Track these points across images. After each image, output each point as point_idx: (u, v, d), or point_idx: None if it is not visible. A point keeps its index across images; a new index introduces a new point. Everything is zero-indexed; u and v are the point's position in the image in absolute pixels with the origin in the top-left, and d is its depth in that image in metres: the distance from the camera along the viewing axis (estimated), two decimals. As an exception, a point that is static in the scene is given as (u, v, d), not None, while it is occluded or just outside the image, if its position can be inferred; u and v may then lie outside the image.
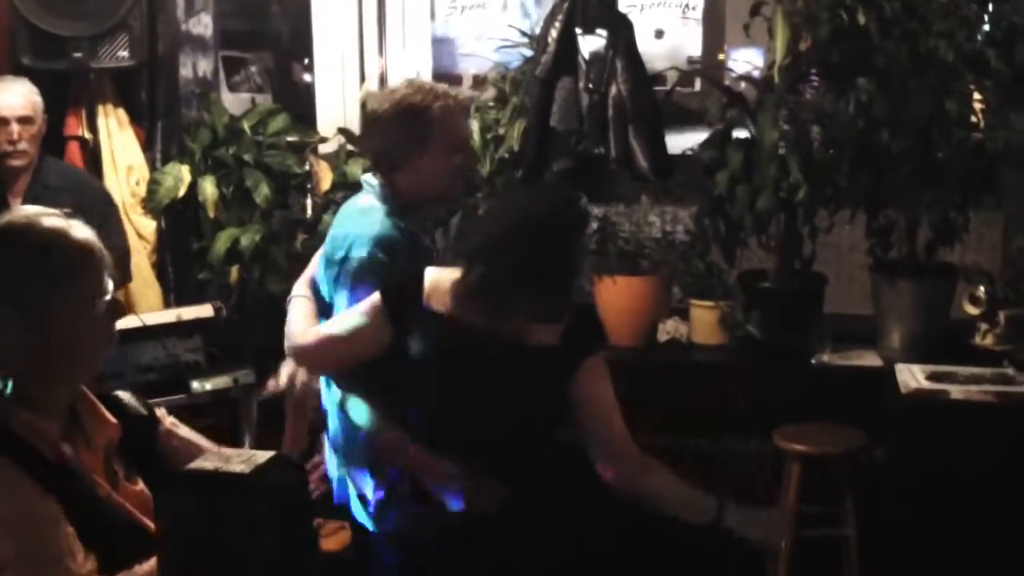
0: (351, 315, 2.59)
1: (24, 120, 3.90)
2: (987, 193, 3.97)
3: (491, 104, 4.64)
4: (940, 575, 3.49)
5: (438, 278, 2.50)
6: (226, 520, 1.73)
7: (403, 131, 2.72)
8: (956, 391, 3.59)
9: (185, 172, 4.43)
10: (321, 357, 2.67)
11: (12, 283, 1.80)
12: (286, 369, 2.92)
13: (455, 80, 7.66)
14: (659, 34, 7.90)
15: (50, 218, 1.88)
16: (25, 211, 1.92)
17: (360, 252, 2.69)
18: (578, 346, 2.46)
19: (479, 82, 4.89)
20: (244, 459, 1.66)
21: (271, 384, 2.98)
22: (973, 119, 3.92)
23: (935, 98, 3.82)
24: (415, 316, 2.47)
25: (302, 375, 2.87)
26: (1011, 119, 3.85)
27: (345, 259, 2.70)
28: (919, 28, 3.80)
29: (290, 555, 1.82)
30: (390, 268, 2.63)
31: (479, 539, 2.42)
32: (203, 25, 4.94)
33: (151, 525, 1.84)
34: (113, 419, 1.94)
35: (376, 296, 2.54)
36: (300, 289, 2.90)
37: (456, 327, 2.45)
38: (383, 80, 7.06)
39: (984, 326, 3.86)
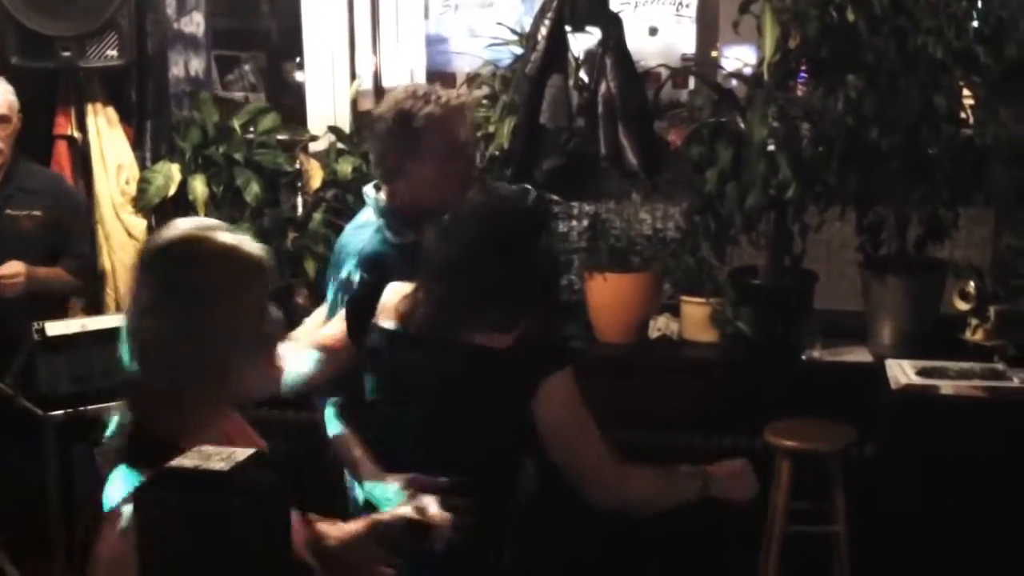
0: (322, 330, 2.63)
1: (0, 119, 3.89)
2: (976, 189, 3.97)
3: (482, 102, 4.64)
4: (931, 571, 3.49)
5: (392, 294, 2.46)
6: (205, 518, 1.73)
7: (395, 138, 2.70)
8: (946, 386, 3.59)
9: (175, 171, 4.43)
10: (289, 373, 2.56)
11: (189, 295, 1.80)
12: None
13: (448, 78, 7.68)
14: (653, 31, 7.90)
15: (224, 232, 1.88)
16: (201, 223, 1.92)
17: (347, 270, 2.71)
18: (537, 364, 2.34)
19: (471, 80, 4.88)
20: (224, 457, 1.66)
21: None
22: (962, 115, 3.92)
23: (924, 94, 3.82)
24: (370, 332, 2.46)
25: None
26: (1000, 115, 3.85)
27: (338, 276, 2.74)
28: (908, 25, 3.80)
29: (271, 553, 1.82)
30: (375, 286, 2.59)
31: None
32: (195, 24, 4.94)
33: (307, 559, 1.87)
34: (263, 443, 1.90)
35: (340, 314, 2.56)
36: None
37: (403, 340, 2.41)
38: (377, 78, 7.07)
39: (974, 321, 3.86)
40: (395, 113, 2.70)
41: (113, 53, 4.24)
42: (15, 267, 3.81)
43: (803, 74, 4.17)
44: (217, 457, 1.81)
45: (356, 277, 2.68)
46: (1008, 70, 3.82)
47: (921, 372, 3.64)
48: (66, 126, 4.35)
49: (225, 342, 1.81)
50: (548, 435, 2.35)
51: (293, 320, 4.40)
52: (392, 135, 2.70)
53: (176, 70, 4.83)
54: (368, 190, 2.84)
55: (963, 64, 3.81)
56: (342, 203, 4.49)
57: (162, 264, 1.84)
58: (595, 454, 2.39)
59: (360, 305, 2.52)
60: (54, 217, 4.02)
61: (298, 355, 2.56)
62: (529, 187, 2.77)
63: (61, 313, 4.08)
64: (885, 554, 3.53)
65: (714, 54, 6.29)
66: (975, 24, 3.84)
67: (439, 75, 7.80)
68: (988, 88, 3.85)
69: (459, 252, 2.37)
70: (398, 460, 2.42)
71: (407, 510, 2.25)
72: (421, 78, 7.73)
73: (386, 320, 2.44)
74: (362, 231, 2.77)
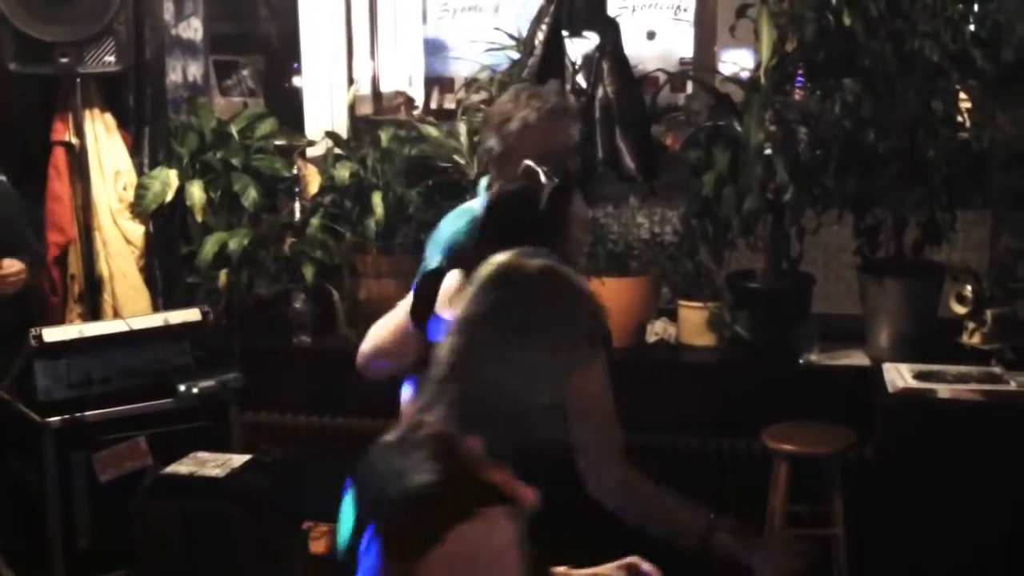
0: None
1: None
2: (974, 192, 3.97)
3: (479, 107, 4.64)
4: (928, 573, 3.48)
5: (451, 283, 2.42)
6: (200, 523, 1.73)
7: (493, 136, 2.75)
8: (944, 390, 3.58)
9: (173, 177, 4.42)
10: (367, 342, 2.61)
11: (554, 330, 1.74)
12: None
13: (447, 83, 7.68)
14: (651, 35, 7.90)
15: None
16: (528, 255, 1.82)
17: (433, 256, 2.72)
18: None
19: (469, 85, 4.88)
20: (219, 463, 1.67)
21: None
22: (959, 118, 3.93)
23: (921, 98, 3.82)
24: (431, 320, 2.43)
25: None
26: (997, 118, 3.85)
27: (426, 260, 2.77)
28: (904, 28, 3.80)
29: (265, 557, 1.82)
30: (441, 273, 2.56)
31: None
32: (193, 29, 4.94)
33: None
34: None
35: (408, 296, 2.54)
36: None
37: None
38: (375, 83, 7.07)
39: (971, 325, 3.85)
40: (495, 112, 2.78)
41: (111, 59, 4.24)
42: (17, 264, 3.80)
43: (800, 78, 4.17)
44: (213, 463, 1.82)
45: (442, 261, 2.64)
46: (1004, 73, 3.82)
47: (918, 376, 3.64)
48: (64, 132, 4.34)
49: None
50: (573, 405, 2.18)
51: (292, 327, 4.43)
52: (491, 133, 2.76)
53: (174, 75, 4.83)
54: (484, 181, 2.86)
55: (960, 67, 3.82)
56: (340, 208, 4.50)
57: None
58: (610, 440, 2.35)
59: (423, 292, 2.49)
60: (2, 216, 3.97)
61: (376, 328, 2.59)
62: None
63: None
64: (883, 557, 3.52)
65: (712, 58, 6.29)
66: (971, 27, 3.85)
67: (437, 80, 7.81)
68: (985, 91, 3.85)
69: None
70: None
71: None
72: (419, 83, 7.74)
73: (446, 309, 2.38)
74: (459, 219, 2.76)
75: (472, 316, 1.74)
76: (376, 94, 7.04)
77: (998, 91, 3.85)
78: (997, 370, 3.69)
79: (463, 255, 2.53)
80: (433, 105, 7.52)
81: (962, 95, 3.97)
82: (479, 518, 1.58)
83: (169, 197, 4.41)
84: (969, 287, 3.87)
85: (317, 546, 3.88)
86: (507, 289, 1.76)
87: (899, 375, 3.64)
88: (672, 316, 4.22)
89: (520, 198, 2.54)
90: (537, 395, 1.73)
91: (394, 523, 1.63)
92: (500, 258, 1.80)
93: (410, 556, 1.58)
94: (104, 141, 4.41)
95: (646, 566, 2.16)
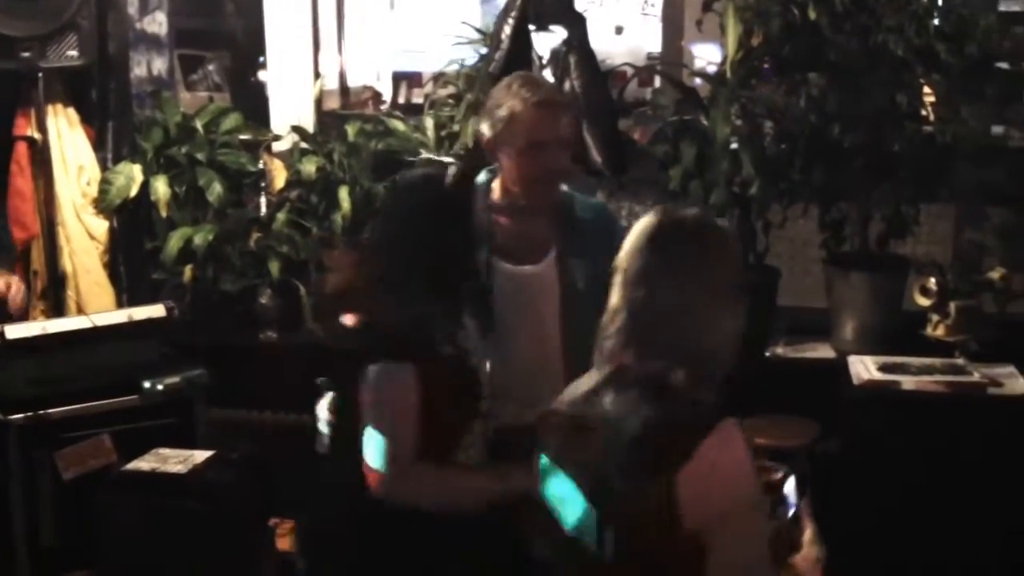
0: None
1: None
2: (938, 185, 3.99)
3: (447, 101, 4.63)
4: (894, 565, 3.50)
5: None
6: (163, 519, 1.72)
7: (485, 122, 2.78)
8: (908, 382, 3.61)
9: (137, 171, 4.39)
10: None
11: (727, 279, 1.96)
12: None
13: (415, 78, 7.66)
14: (619, 30, 7.92)
15: None
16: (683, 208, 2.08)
17: None
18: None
19: (436, 79, 4.87)
20: (182, 459, 1.65)
21: None
22: (924, 112, 3.95)
23: (886, 92, 3.84)
24: None
25: None
26: (961, 112, 3.88)
27: None
28: (870, 22, 3.82)
29: (231, 554, 1.81)
30: None
31: None
32: (157, 23, 4.90)
33: None
34: None
35: None
36: None
37: None
38: (342, 78, 7.05)
39: (935, 317, 3.88)
40: (490, 101, 2.79)
41: (73, 53, 4.20)
42: (15, 282, 3.84)
43: (767, 72, 4.18)
44: (175, 460, 1.81)
45: None
46: (969, 67, 3.85)
47: (883, 368, 3.66)
48: (26, 127, 4.29)
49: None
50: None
51: (258, 322, 4.40)
52: (486, 122, 2.77)
53: (139, 70, 4.79)
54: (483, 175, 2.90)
55: (924, 62, 3.84)
56: (306, 203, 4.47)
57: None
58: (389, 439, 2.38)
59: None
60: None
61: None
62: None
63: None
64: (849, 549, 3.54)
65: (679, 53, 6.31)
66: (936, 22, 3.87)
67: (405, 75, 7.79)
68: (949, 85, 3.87)
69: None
70: None
71: None
72: (387, 78, 7.71)
73: None
74: None
75: (647, 267, 1.92)
76: (343, 89, 7.02)
77: (962, 85, 3.88)
78: (961, 362, 3.72)
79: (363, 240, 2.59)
80: (401, 100, 7.51)
81: (927, 89, 3.99)
82: (715, 432, 1.81)
83: (133, 192, 4.37)
84: (933, 280, 3.89)
85: (284, 543, 3.86)
86: (677, 239, 1.95)
87: (864, 368, 3.66)
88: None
89: (424, 183, 2.60)
90: (718, 330, 1.94)
91: (643, 454, 1.82)
92: (656, 214, 1.99)
93: (666, 476, 1.78)
94: (67, 136, 4.37)
95: None
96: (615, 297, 1.96)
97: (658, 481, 1.81)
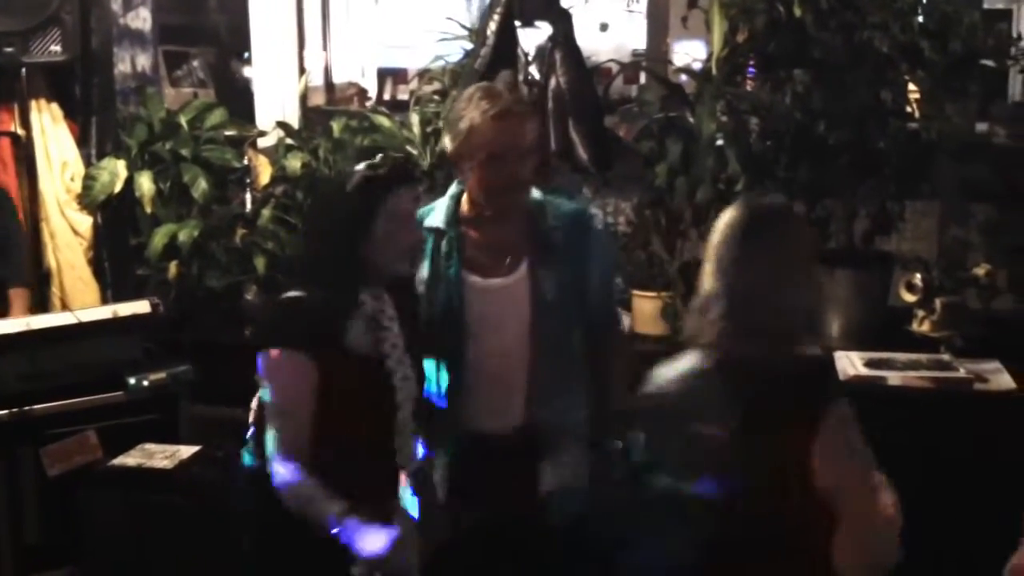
0: None
1: None
2: (923, 182, 4.01)
3: (432, 98, 4.62)
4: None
5: None
6: (148, 515, 1.71)
7: (447, 136, 2.76)
8: (894, 377, 3.62)
9: (121, 167, 4.37)
10: None
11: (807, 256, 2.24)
12: None
13: (400, 74, 7.65)
14: (604, 27, 7.92)
15: None
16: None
17: None
18: None
19: (421, 76, 4.86)
20: (168, 455, 1.64)
21: None
22: (908, 109, 3.96)
23: (871, 89, 3.86)
24: None
25: None
26: (945, 109, 3.89)
27: None
28: (854, 19, 3.83)
29: (218, 550, 1.80)
30: None
31: None
32: (141, 19, 4.88)
33: None
34: None
35: None
36: None
37: None
38: (328, 74, 7.03)
39: (921, 313, 3.89)
40: (454, 113, 2.75)
41: (57, 48, 4.18)
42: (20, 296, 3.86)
43: (752, 69, 4.19)
44: (161, 455, 1.80)
45: None
46: (953, 64, 3.86)
47: (869, 363, 3.67)
48: (9, 123, 4.27)
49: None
50: None
51: (244, 319, 4.39)
52: (449, 134, 2.75)
53: (123, 66, 4.76)
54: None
55: (909, 59, 3.85)
56: (291, 199, 4.46)
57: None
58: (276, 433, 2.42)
59: None
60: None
61: None
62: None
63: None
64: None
65: (664, 50, 6.31)
66: (920, 19, 3.88)
67: (390, 71, 7.77)
68: (933, 82, 3.89)
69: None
70: None
71: None
72: (372, 74, 7.69)
73: None
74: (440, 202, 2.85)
75: (741, 255, 2.14)
76: (329, 85, 7.00)
77: (946, 82, 3.89)
78: (946, 357, 3.74)
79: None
80: (387, 96, 7.50)
81: (911, 86, 4.00)
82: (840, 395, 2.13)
83: (118, 188, 4.35)
84: (919, 276, 3.90)
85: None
86: (764, 227, 2.19)
87: (850, 363, 3.67)
88: (626, 306, 4.22)
89: (330, 187, 2.64)
90: (805, 302, 2.22)
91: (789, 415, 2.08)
92: (741, 206, 2.22)
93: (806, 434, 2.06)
94: (51, 131, 4.35)
95: None
96: (709, 284, 2.17)
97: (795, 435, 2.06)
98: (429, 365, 2.72)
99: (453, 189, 2.83)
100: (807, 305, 2.27)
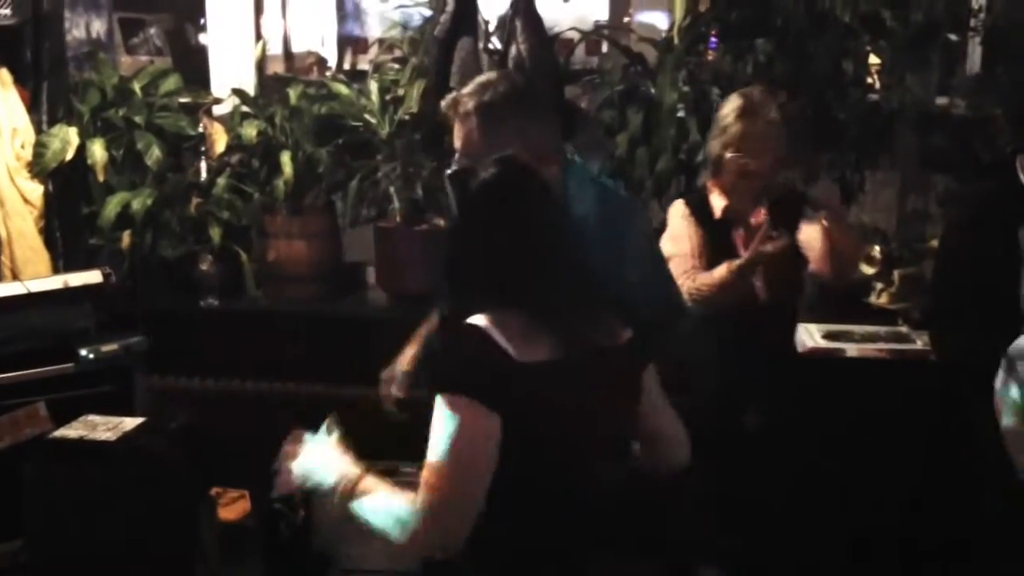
0: None
1: None
2: (882, 153, 4.01)
3: (391, 65, 4.56)
4: (839, 529, 3.53)
5: None
6: (91, 488, 1.67)
7: None
8: (852, 349, 3.64)
9: (73, 134, 4.27)
10: None
11: None
12: None
13: (360, 43, 7.56)
14: (566, -2, 7.85)
15: None
16: None
17: None
18: None
19: (381, 43, 4.79)
20: (111, 427, 1.60)
21: None
22: (869, 80, 3.95)
23: (832, 59, 3.84)
24: None
25: None
26: (906, 79, 3.89)
27: None
28: (816, -12, 3.82)
29: (165, 523, 1.76)
30: None
31: None
32: (96, -16, 4.77)
33: None
34: None
35: None
36: None
37: None
38: (287, 43, 6.93)
39: (879, 285, 3.91)
40: None
41: (6, 12, 4.09)
42: None
43: (714, 40, 4.16)
44: (104, 427, 1.75)
45: None
46: (914, 35, 3.86)
47: (827, 335, 3.68)
48: (-43, 88, 4.18)
49: None
50: None
51: (199, 289, 4.33)
52: None
53: (77, 32, 4.66)
54: None
55: (870, 29, 3.84)
56: (247, 168, 4.39)
57: None
58: None
59: None
60: None
61: None
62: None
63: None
64: (794, 514, 3.55)
65: (626, 20, 6.27)
66: (882, -11, 3.87)
67: (349, 39, 7.69)
68: (894, 53, 3.88)
69: None
70: None
71: None
72: (332, 42, 7.60)
73: None
74: None
75: None
76: (287, 54, 6.90)
77: (907, 53, 3.89)
78: (904, 329, 3.75)
79: None
80: (347, 66, 7.41)
81: (873, 57, 3.99)
82: None
83: (69, 156, 4.25)
84: (878, 248, 3.91)
85: (228, 512, 3.81)
86: None
87: (809, 335, 3.68)
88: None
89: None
90: None
91: None
92: None
93: None
94: (0, 97, 4.25)
95: None
96: None
97: None
98: None
99: None
100: None
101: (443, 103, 2.56)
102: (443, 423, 1.79)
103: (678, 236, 3.19)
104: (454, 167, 2.36)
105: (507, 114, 2.39)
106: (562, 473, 1.91)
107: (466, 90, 2.47)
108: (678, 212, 3.25)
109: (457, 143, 2.47)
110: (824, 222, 2.96)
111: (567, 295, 1.90)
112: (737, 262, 2.98)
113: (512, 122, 2.38)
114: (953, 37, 4.20)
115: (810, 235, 3.07)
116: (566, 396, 1.86)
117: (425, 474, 1.80)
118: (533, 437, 1.84)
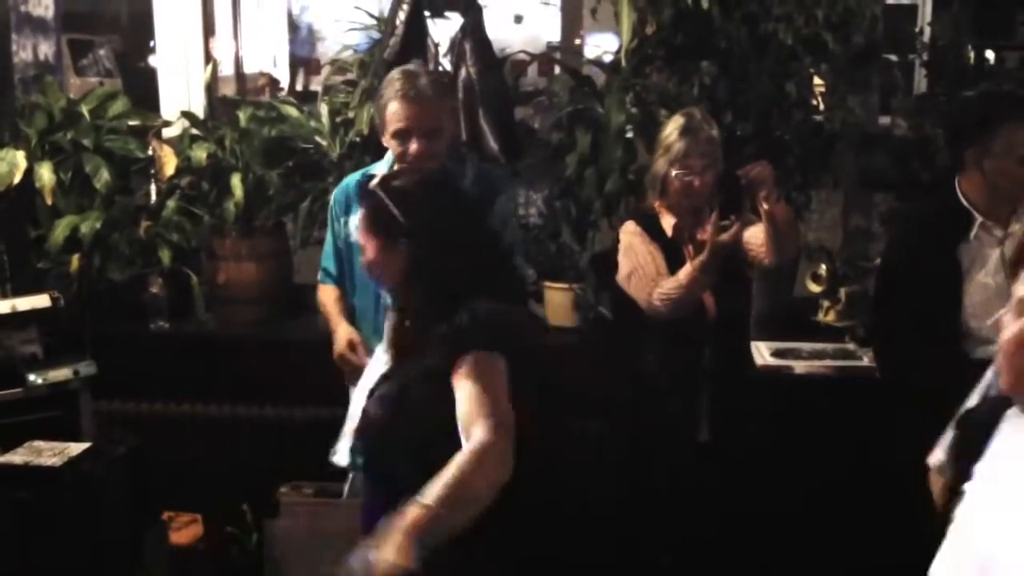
0: None
1: None
2: (826, 172, 4.07)
3: (342, 87, 4.57)
4: (789, 544, 3.56)
5: None
6: (34, 514, 1.66)
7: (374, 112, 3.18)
8: (800, 366, 3.69)
9: (20, 157, 4.24)
10: None
11: None
12: None
13: (313, 64, 7.58)
14: (518, 19, 7.93)
15: None
16: None
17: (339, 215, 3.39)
18: None
19: (332, 65, 4.81)
20: (56, 452, 1.60)
21: None
22: (812, 101, 4.02)
23: (775, 81, 3.91)
24: None
25: None
26: (848, 101, 3.96)
27: None
28: (759, 11, 3.88)
29: (111, 549, 1.75)
30: None
31: None
32: (43, 6, 4.75)
33: None
34: None
35: None
36: None
37: None
38: (238, 64, 6.93)
39: (826, 303, 3.96)
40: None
41: (-49, 34, 4.06)
42: None
43: (660, 60, 4.22)
44: (49, 452, 1.75)
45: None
46: (855, 57, 3.94)
47: (776, 353, 3.73)
48: (-99, 111, 4.14)
49: None
50: None
51: (148, 312, 4.30)
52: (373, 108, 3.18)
53: (24, 54, 4.63)
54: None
55: (812, 51, 3.91)
56: (197, 190, 4.38)
57: None
58: None
59: None
60: None
61: None
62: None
63: None
64: (745, 531, 3.59)
65: (577, 42, 6.33)
66: (823, 12, 3.94)
67: (302, 60, 7.70)
68: (836, 74, 3.95)
69: None
70: None
71: None
72: (284, 63, 7.61)
73: None
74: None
75: None
76: (239, 75, 6.90)
77: (849, 74, 3.96)
78: (850, 346, 3.81)
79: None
80: (299, 87, 7.42)
81: (816, 79, 4.06)
82: None
83: (16, 179, 4.22)
84: (824, 266, 3.97)
85: (180, 536, 3.79)
86: None
87: (758, 353, 3.73)
88: (538, 298, 4.22)
89: None
90: None
91: None
92: None
93: None
94: (-54, 121, 4.22)
95: None
96: None
97: None
98: None
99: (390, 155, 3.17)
100: None
101: None
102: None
103: (639, 255, 3.26)
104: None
105: None
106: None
107: None
108: (632, 232, 3.30)
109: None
110: (764, 204, 3.06)
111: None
112: (700, 258, 3.03)
113: None
114: (894, 58, 4.29)
115: (754, 232, 3.18)
116: None
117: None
118: None
